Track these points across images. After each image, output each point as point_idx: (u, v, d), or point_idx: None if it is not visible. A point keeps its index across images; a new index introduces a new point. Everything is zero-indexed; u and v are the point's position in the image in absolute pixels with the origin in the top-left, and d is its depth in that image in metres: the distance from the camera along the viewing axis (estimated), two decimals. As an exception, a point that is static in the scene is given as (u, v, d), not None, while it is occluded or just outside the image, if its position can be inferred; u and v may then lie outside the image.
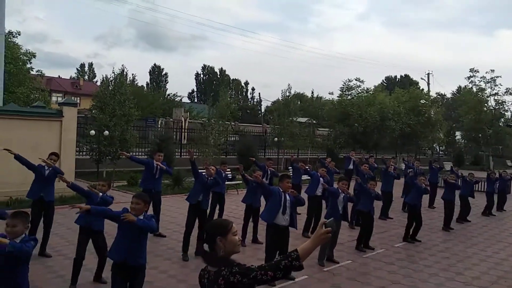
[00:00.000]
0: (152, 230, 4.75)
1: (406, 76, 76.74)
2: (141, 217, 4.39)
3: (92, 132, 15.93)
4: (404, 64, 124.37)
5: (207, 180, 7.83)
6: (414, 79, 65.20)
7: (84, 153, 17.59)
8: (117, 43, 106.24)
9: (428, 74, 45.24)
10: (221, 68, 79.78)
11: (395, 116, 26.14)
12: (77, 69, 75.60)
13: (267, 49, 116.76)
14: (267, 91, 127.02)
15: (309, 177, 10.87)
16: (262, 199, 7.76)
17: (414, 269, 7.65)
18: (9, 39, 20.03)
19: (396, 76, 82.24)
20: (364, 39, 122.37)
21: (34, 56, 22.15)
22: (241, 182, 12.85)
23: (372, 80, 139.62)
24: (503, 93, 33.36)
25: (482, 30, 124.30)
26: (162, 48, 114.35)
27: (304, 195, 8.42)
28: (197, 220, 7.73)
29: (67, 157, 12.36)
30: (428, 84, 45.13)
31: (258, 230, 8.68)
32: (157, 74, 75.96)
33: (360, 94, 27.93)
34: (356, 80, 27.99)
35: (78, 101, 43.94)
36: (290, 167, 12.76)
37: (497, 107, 34.16)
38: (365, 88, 28.53)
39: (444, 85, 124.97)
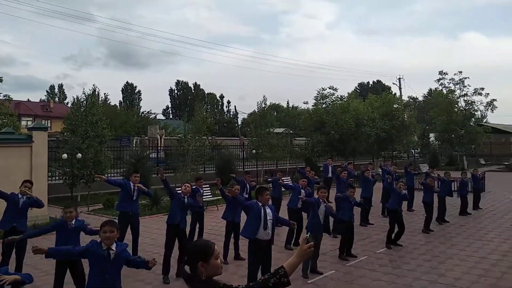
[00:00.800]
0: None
1: (379, 81, 78.35)
2: (114, 245, 4.22)
3: (64, 155, 15.52)
4: (376, 70, 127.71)
5: (183, 198, 7.67)
6: (386, 84, 66.54)
7: (57, 177, 17.06)
8: (87, 62, 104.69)
9: (399, 78, 46.47)
10: (195, 83, 79.54)
11: (370, 122, 26.50)
12: (46, 91, 74.25)
13: (240, 62, 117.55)
14: (243, 103, 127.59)
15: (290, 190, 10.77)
16: (243, 214, 7.63)
17: (397, 274, 7.67)
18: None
19: (368, 82, 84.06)
20: (336, 47, 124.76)
21: (1, 81, 21.49)
22: (220, 197, 12.67)
23: (345, 88, 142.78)
24: (472, 93, 34.39)
25: (449, 34, 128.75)
26: (134, 66, 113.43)
27: (285, 208, 8.36)
28: (176, 241, 7.55)
29: (39, 182, 11.84)
30: (400, 88, 46.30)
31: (240, 246, 8.54)
32: (130, 92, 75.15)
33: (334, 102, 28.22)
34: (330, 88, 28.33)
35: (49, 124, 42.95)
36: (270, 183, 12.59)
37: (467, 108, 35.10)
38: (339, 96, 28.88)
39: (415, 89, 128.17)
